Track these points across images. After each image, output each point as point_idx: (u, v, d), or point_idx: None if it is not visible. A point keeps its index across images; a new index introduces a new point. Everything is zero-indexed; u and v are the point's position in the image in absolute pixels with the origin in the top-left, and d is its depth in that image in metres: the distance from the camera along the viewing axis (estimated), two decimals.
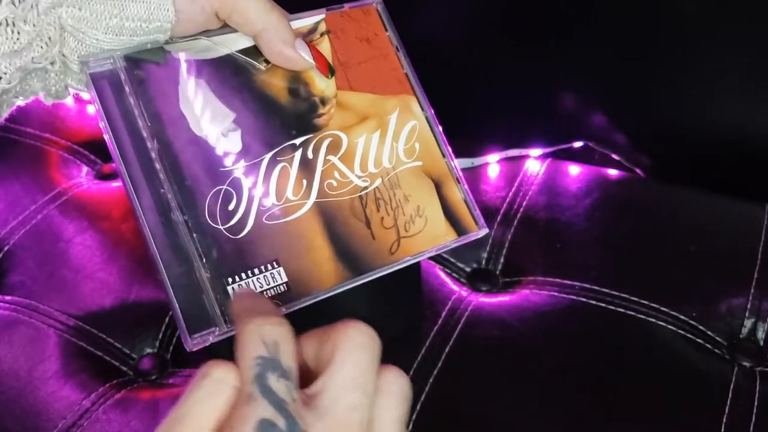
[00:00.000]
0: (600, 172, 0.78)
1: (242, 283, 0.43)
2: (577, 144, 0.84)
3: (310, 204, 0.46)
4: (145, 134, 0.44)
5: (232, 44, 0.47)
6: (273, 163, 0.46)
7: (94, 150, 0.82)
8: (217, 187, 0.44)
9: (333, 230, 0.46)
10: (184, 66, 0.46)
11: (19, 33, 0.41)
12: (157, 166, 0.44)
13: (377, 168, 0.48)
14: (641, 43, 0.75)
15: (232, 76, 0.47)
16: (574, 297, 0.65)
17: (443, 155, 0.51)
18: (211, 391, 0.33)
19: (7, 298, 0.68)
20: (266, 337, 0.34)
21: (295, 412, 0.32)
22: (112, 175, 0.79)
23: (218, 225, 0.44)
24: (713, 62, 0.74)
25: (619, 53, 0.77)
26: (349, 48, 0.51)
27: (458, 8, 0.80)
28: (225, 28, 0.47)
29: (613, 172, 0.78)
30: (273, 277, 0.44)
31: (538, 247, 0.70)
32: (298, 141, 0.47)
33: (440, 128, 0.51)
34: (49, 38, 0.42)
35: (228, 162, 0.45)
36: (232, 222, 0.44)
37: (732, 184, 0.74)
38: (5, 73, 0.41)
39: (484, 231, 0.50)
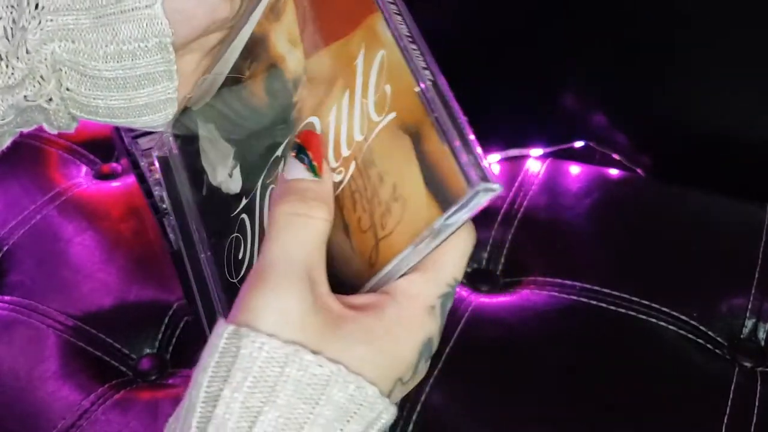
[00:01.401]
0: (601, 172, 0.77)
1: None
2: (578, 144, 0.84)
3: None
4: (185, 205, 0.42)
5: (225, 66, 0.42)
6: (264, 190, 0.38)
7: (94, 149, 0.81)
8: (231, 236, 0.40)
9: None
10: (198, 116, 0.43)
11: (13, 68, 0.39)
12: (195, 234, 0.41)
13: (350, 148, 0.34)
14: (642, 42, 0.75)
15: (228, 103, 0.42)
16: (575, 297, 0.65)
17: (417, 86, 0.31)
18: (300, 225, 0.32)
19: (6, 298, 0.68)
20: (462, 270, 0.34)
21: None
22: (111, 175, 0.78)
23: (234, 279, 0.39)
24: (715, 62, 0.74)
25: (620, 53, 0.76)
26: None
27: (458, 8, 0.79)
28: (220, 50, 0.42)
29: (614, 172, 0.78)
30: None
31: (538, 247, 0.70)
32: (279, 151, 0.38)
33: (413, 46, 0.32)
34: (42, 77, 0.40)
35: (236, 205, 0.40)
36: (243, 273, 0.38)
37: (733, 184, 0.74)
38: None
39: (486, 186, 0.29)
